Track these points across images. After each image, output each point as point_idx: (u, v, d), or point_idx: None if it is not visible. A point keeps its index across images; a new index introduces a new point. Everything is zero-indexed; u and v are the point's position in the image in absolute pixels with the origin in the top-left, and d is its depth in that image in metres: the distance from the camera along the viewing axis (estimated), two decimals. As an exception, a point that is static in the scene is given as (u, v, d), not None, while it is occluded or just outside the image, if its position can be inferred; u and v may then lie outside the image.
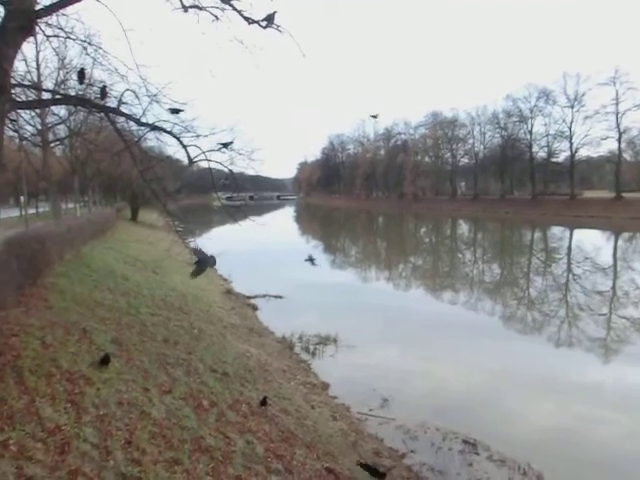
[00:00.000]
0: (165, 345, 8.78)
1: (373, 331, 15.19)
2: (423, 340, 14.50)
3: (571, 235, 48.27)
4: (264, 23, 9.57)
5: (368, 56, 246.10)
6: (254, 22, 9.62)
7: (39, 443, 4.38)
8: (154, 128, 9.44)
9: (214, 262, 8.25)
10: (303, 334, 13.75)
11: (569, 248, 38.87)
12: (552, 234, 50.41)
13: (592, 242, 39.90)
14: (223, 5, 9.68)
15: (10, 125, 9.95)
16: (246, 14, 9.66)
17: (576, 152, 71.76)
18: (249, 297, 18.79)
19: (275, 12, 9.48)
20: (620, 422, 9.43)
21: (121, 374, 6.51)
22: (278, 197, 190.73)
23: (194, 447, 5.34)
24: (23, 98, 11.60)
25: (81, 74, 9.43)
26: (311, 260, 12.17)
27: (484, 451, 7.99)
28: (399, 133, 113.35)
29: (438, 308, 19.12)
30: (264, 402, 7.40)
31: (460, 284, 24.69)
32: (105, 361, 6.52)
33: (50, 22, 9.38)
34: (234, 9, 9.66)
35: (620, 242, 41.55)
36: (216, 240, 37.16)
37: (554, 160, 77.28)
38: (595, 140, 68.39)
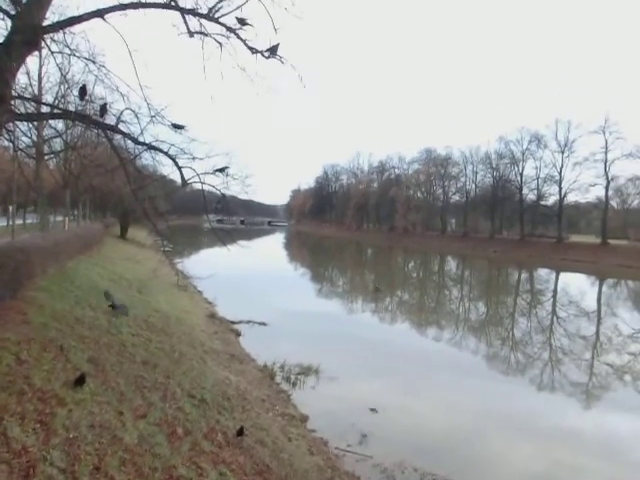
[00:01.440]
0: (144, 367, 8.60)
1: (356, 363, 15.03)
2: (406, 375, 14.37)
3: (557, 278, 48.71)
4: (267, 53, 9.81)
5: (366, 89, 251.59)
6: (258, 52, 9.85)
7: (3, 464, 4.22)
8: (151, 148, 9.51)
9: (126, 312, 8.28)
10: (285, 363, 13.55)
11: (554, 291, 39.15)
12: (538, 275, 50.84)
13: (577, 286, 40.30)
14: (228, 33, 9.92)
15: (6, 136, 9.94)
16: (250, 44, 9.90)
17: (565, 196, 73.21)
18: (233, 322, 18.55)
19: (278, 44, 9.73)
20: (600, 470, 9.33)
21: (95, 395, 6.35)
22: (269, 223, 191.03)
23: (165, 476, 5.18)
24: (22, 110, 11.64)
25: (82, 91, 9.52)
26: (377, 289, 12.51)
27: (461, 495, 7.84)
28: (393, 167, 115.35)
29: (422, 344, 19.04)
30: (241, 432, 7.23)
31: (445, 321, 24.65)
32: (80, 381, 6.36)
33: (56, 38, 9.53)
34: (239, 38, 9.89)
35: (605, 288, 41.97)
36: (204, 262, 37.05)
37: (543, 203, 78.71)
38: (584, 186, 69.89)
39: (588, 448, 10.30)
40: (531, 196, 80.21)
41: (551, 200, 78.24)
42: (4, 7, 8.63)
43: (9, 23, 8.28)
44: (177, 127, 9.04)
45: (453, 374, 14.89)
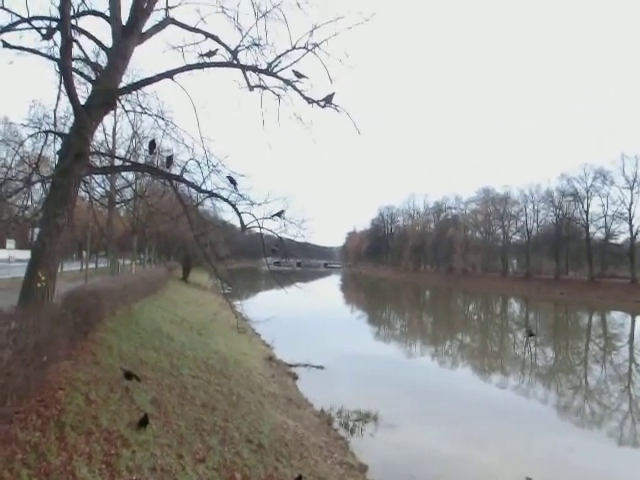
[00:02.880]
0: (203, 410, 8.71)
1: (416, 409, 14.49)
2: (468, 423, 13.64)
3: (633, 321, 45.23)
4: (323, 103, 10.22)
5: (420, 129, 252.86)
6: (314, 102, 10.29)
7: (71, 504, 4.36)
8: (212, 195, 10.00)
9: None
10: (343, 408, 13.28)
11: (631, 335, 36.32)
12: (611, 319, 47.46)
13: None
14: (286, 85, 10.45)
15: (83, 187, 10.78)
16: (306, 94, 10.36)
17: (636, 234, 68.87)
18: (290, 365, 18.51)
19: (334, 93, 10.12)
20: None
21: (157, 437, 6.48)
22: (325, 265, 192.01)
23: (223, 523, 5.14)
24: (98, 164, 12.63)
25: (152, 145, 10.23)
26: (531, 334, 12.48)
27: None
28: (449, 207, 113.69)
29: (485, 390, 18.09)
30: (299, 480, 7.08)
31: (510, 366, 23.38)
32: (144, 422, 6.53)
33: (129, 98, 10.39)
34: (295, 89, 10.39)
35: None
36: (262, 305, 37.54)
37: (613, 241, 74.32)
38: (657, 223, 65.56)
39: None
40: (599, 234, 76.09)
41: (621, 238, 73.80)
42: (86, 73, 9.56)
43: (90, 87, 9.14)
44: (232, 181, 9.48)
45: (519, 424, 13.98)
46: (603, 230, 74.92)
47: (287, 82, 10.31)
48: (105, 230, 21.29)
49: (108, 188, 21.03)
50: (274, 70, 10.26)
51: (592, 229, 76.21)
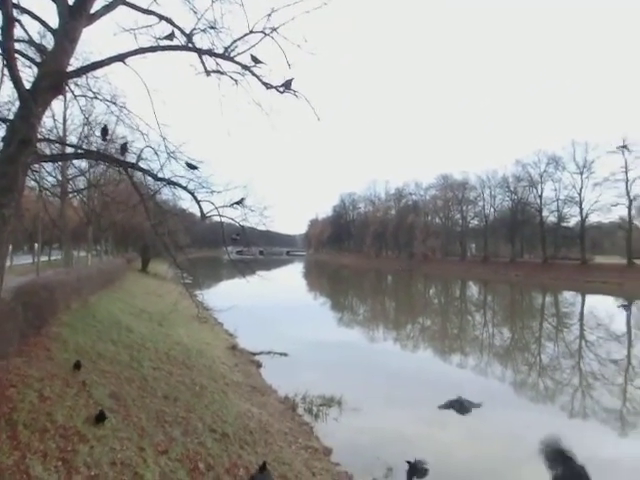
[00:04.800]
0: (165, 402, 8.57)
1: (379, 393, 14.72)
2: (430, 404, 13.96)
3: (583, 300, 47.47)
4: (282, 88, 10.07)
5: (380, 116, 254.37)
6: (272, 87, 10.12)
7: (25, 504, 4.21)
8: (170, 183, 9.73)
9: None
10: (307, 394, 13.37)
11: (581, 314, 38.10)
12: (563, 299, 49.61)
13: (605, 308, 39.13)
14: (244, 71, 10.23)
15: (32, 176, 10.30)
16: (265, 79, 10.19)
17: (586, 217, 72.04)
18: (254, 353, 18.46)
19: (292, 79, 9.99)
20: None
21: (117, 431, 6.33)
22: (287, 253, 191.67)
23: (187, 514, 5.09)
24: (48, 151, 12.07)
25: (104, 131, 9.85)
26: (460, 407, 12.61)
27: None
28: (410, 194, 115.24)
29: (447, 371, 18.60)
30: (263, 467, 7.08)
31: (470, 347, 24.11)
32: (100, 418, 6.35)
33: (79, 82, 9.94)
34: (254, 74, 10.18)
35: (634, 309, 40.69)
36: (224, 294, 37.19)
37: (564, 225, 77.53)
38: (605, 206, 68.70)
39: (625, 478, 9.81)
40: (552, 218, 79.34)
41: (573, 221, 77.11)
42: (30, 55, 9.06)
43: (35, 70, 8.68)
44: (191, 167, 9.26)
45: (480, 402, 14.46)
46: (555, 214, 78.31)
47: (245, 67, 10.09)
48: (57, 221, 20.47)
49: (60, 177, 20.23)
50: (231, 54, 10.01)
51: (545, 213, 79.56)
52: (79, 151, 12.40)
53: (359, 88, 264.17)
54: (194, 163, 9.37)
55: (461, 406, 12.93)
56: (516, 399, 15.40)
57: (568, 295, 52.17)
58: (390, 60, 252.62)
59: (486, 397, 15.00)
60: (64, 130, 20.28)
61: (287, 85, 9.98)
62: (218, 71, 10.39)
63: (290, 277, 79.18)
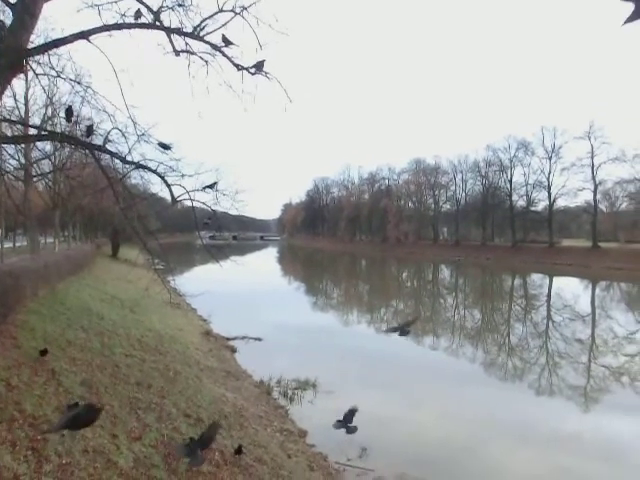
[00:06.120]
0: (138, 388, 8.46)
1: (353, 375, 14.91)
2: (403, 386, 14.27)
3: (550, 282, 48.90)
4: (253, 70, 9.86)
5: (354, 101, 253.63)
6: (243, 69, 9.90)
7: (-6, 494, 4.11)
8: (139, 166, 9.48)
9: None
10: (281, 378, 13.43)
11: (548, 295, 39.25)
12: (532, 281, 51.02)
13: (571, 290, 40.44)
14: (214, 51, 9.96)
15: (-8, 158, 9.90)
16: (236, 61, 9.95)
17: (554, 202, 73.88)
18: (228, 339, 18.39)
19: (264, 60, 9.78)
20: (600, 473, 9.27)
21: (89, 419, 6.22)
22: (261, 237, 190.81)
23: (162, 499, 5.06)
24: (9, 133, 11.58)
25: (69, 112, 9.50)
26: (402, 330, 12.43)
27: (465, 505, 7.75)
28: (383, 178, 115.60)
29: (419, 353, 18.94)
30: (239, 450, 7.11)
31: (441, 329, 24.59)
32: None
33: (41, 61, 9.52)
34: (224, 55, 9.93)
35: (598, 290, 42.17)
36: (197, 280, 36.83)
37: (533, 209, 79.37)
38: (572, 191, 70.62)
39: (588, 451, 10.22)
40: (521, 202, 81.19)
41: (541, 206, 79.01)
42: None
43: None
44: (164, 146, 9.03)
45: (451, 383, 14.80)
46: (525, 198, 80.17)
47: (215, 47, 9.83)
48: (21, 206, 19.80)
49: (23, 160, 19.52)
50: (200, 34, 9.73)
51: (515, 197, 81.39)
52: (42, 133, 11.94)
53: (333, 72, 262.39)
54: (167, 143, 9.15)
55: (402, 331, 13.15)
56: (486, 379, 15.81)
57: (536, 277, 53.67)
58: (364, 44, 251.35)
59: (458, 378, 15.41)
60: (26, 111, 19.48)
61: (259, 67, 9.78)
62: (187, 51, 10.09)
63: (264, 262, 78.91)
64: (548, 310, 31.13)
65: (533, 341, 22.01)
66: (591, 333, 23.68)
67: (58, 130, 13.11)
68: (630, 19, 1.99)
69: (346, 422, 6.55)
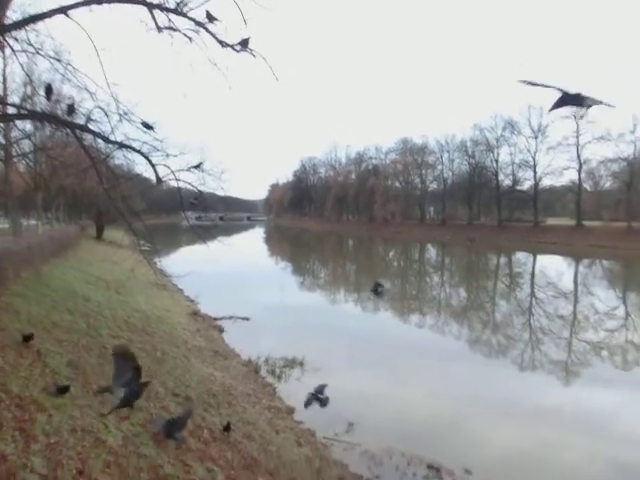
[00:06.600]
0: (125, 368, 8.47)
1: (340, 354, 15.08)
2: (390, 363, 14.47)
3: (534, 261, 49.62)
4: (238, 47, 9.67)
5: (341, 81, 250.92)
6: (228, 46, 9.71)
7: (-18, 474, 4.12)
8: (122, 146, 9.34)
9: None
10: (269, 357, 13.55)
11: (532, 273, 39.87)
12: (517, 259, 51.70)
13: (554, 268, 41.10)
14: (197, 28, 9.73)
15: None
16: (220, 37, 9.74)
17: (540, 181, 74.70)
18: (215, 319, 18.44)
19: (249, 37, 9.60)
20: (581, 446, 9.56)
21: (76, 399, 6.23)
22: (248, 218, 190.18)
23: (151, 476, 5.12)
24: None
25: (48, 90, 9.29)
26: (379, 287, 12.86)
27: (448, 476, 7.96)
28: (370, 158, 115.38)
29: (405, 331, 19.21)
30: (227, 428, 7.20)
31: (427, 308, 24.92)
32: (63, 391, 6.20)
33: (19, 37, 9.24)
34: (208, 32, 9.72)
35: (580, 268, 42.92)
36: (183, 261, 36.70)
37: (519, 188, 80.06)
38: (557, 170, 71.53)
39: (569, 424, 10.51)
40: (507, 182, 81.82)
41: (526, 185, 79.85)
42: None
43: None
44: (147, 126, 8.89)
45: (437, 360, 15.06)
46: (511, 178, 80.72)
47: (199, 24, 9.61)
48: (2, 187, 19.41)
49: (3, 140, 19.10)
50: (183, 10, 9.50)
51: (501, 177, 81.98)
52: (22, 112, 11.67)
53: (320, 51, 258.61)
54: (149, 124, 9.00)
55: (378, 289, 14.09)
56: (471, 355, 16.10)
57: (521, 255, 54.39)
58: (352, 22, 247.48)
59: (443, 355, 15.67)
60: (4, 89, 18.95)
61: (244, 44, 9.60)
62: (170, 27, 9.86)
63: (251, 242, 78.77)
64: (532, 288, 31.66)
65: (517, 318, 22.41)
66: (573, 309, 24.19)
67: (38, 109, 12.78)
68: (555, 106, 2.27)
69: (317, 394, 6.75)
